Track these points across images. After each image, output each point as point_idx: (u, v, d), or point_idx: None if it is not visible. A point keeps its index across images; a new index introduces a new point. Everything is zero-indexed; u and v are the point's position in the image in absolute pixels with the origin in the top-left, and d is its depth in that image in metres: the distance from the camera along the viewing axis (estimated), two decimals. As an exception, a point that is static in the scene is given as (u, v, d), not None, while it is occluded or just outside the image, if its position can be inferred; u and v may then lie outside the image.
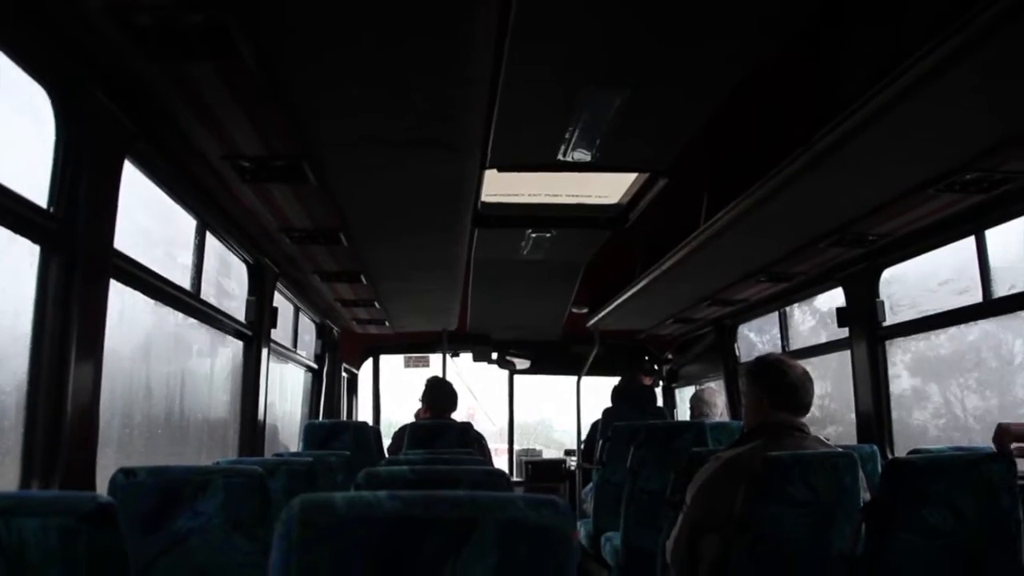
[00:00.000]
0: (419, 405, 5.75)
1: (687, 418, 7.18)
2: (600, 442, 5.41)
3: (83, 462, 2.54)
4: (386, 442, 5.94)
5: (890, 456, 4.33)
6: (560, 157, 3.22)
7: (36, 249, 2.43)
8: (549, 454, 9.24)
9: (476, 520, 1.28)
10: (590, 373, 7.83)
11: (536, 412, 8.14)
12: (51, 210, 2.43)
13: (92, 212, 2.54)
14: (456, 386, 5.75)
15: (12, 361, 2.40)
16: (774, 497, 2.64)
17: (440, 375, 7.17)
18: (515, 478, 8.27)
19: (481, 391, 9.09)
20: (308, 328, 6.76)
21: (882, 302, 4.55)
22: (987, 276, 3.71)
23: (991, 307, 3.75)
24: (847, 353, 4.81)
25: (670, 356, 8.48)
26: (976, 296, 3.79)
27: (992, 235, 3.71)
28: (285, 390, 6.38)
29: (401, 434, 5.38)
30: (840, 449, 2.89)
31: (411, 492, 1.30)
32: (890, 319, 4.55)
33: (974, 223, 3.65)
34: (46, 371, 2.41)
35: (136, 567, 1.39)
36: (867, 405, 4.56)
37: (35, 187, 2.38)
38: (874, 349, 4.55)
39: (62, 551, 1.31)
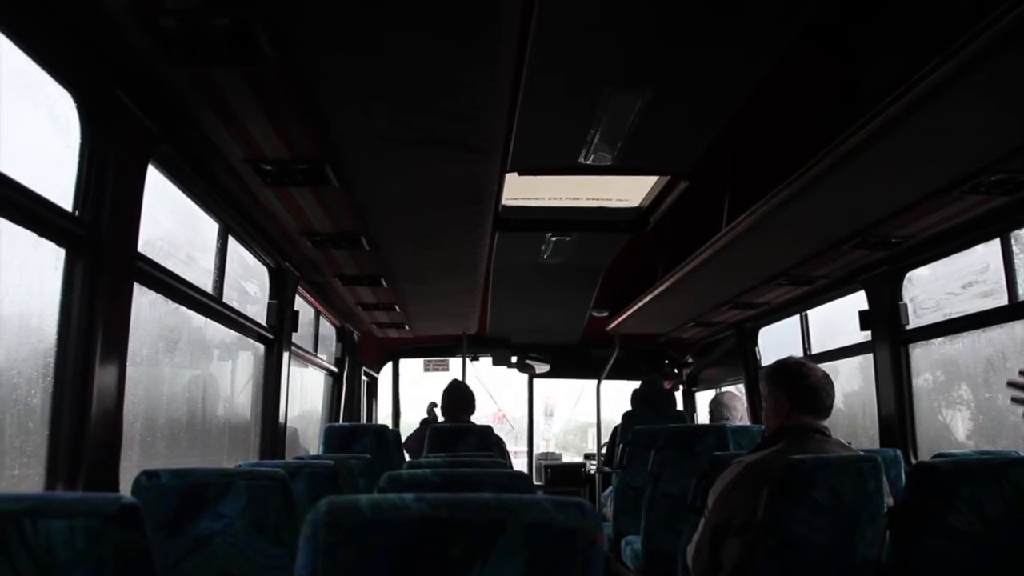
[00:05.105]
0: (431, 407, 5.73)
1: (706, 422, 7.15)
2: (620, 446, 5.39)
3: (107, 464, 2.55)
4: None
5: (913, 461, 4.29)
6: (581, 160, 3.22)
7: (61, 253, 2.44)
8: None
9: (504, 522, 1.28)
10: (610, 377, 7.82)
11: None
12: (76, 213, 2.44)
13: (116, 215, 2.55)
14: (476, 390, 5.74)
15: (37, 363, 2.41)
16: (797, 501, 2.62)
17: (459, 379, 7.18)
18: (534, 482, 8.24)
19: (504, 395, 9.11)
20: (329, 331, 6.78)
21: (905, 305, 4.51)
22: (1013, 278, 3.67)
23: (1017, 310, 3.71)
24: None
25: (690, 360, 8.45)
26: (1002, 299, 3.75)
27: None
28: (305, 393, 6.40)
29: (416, 436, 5.37)
30: (863, 453, 2.87)
31: (437, 494, 1.30)
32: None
33: (1000, 225, 3.61)
34: (71, 373, 2.42)
35: (160, 569, 1.39)
36: (890, 409, 4.51)
37: (61, 191, 2.39)
38: (897, 352, 4.50)
39: (89, 552, 1.31)
